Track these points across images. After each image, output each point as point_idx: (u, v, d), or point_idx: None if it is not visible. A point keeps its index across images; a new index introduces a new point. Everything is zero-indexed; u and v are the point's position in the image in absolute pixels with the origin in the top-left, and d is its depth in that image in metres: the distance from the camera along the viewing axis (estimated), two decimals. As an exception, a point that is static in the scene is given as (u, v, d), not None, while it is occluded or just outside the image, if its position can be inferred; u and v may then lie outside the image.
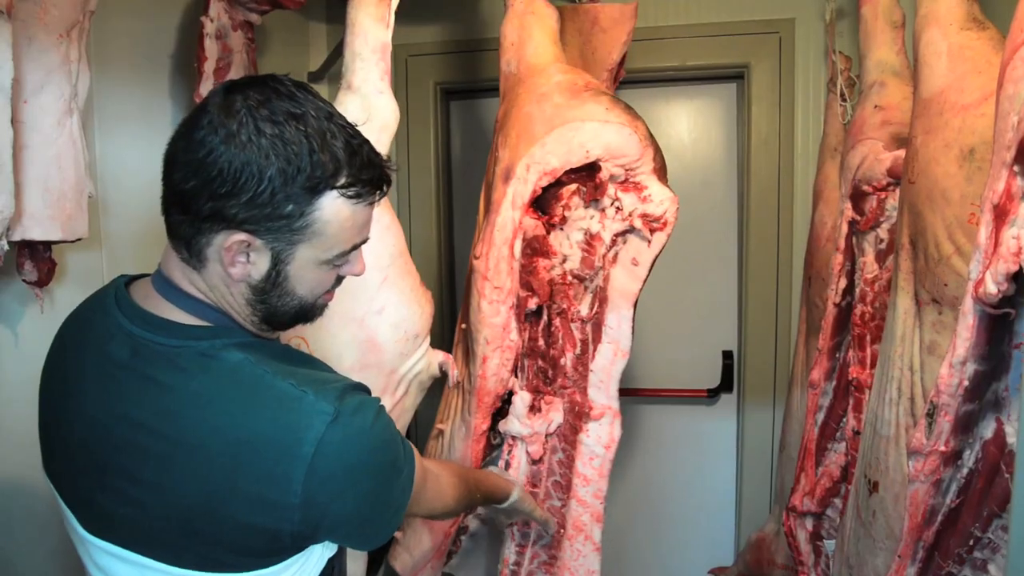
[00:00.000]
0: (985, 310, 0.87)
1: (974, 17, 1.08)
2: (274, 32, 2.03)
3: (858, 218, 1.49)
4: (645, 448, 2.42)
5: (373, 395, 0.89)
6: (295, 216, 0.80)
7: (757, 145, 2.18)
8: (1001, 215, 0.82)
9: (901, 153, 1.33)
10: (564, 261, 1.45)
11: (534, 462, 1.49)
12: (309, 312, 0.91)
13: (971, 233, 0.99)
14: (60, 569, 1.37)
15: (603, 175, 1.37)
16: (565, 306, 1.46)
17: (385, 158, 0.88)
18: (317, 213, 0.81)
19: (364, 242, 0.89)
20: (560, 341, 1.47)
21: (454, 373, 1.46)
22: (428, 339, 1.40)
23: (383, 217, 1.29)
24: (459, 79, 2.34)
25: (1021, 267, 0.80)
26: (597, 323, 1.45)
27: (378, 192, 0.86)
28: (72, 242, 1.22)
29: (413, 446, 0.97)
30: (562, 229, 1.44)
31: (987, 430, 0.96)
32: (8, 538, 1.28)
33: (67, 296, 1.36)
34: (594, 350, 1.45)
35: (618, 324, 1.44)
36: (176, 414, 0.80)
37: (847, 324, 1.56)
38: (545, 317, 1.48)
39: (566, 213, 1.42)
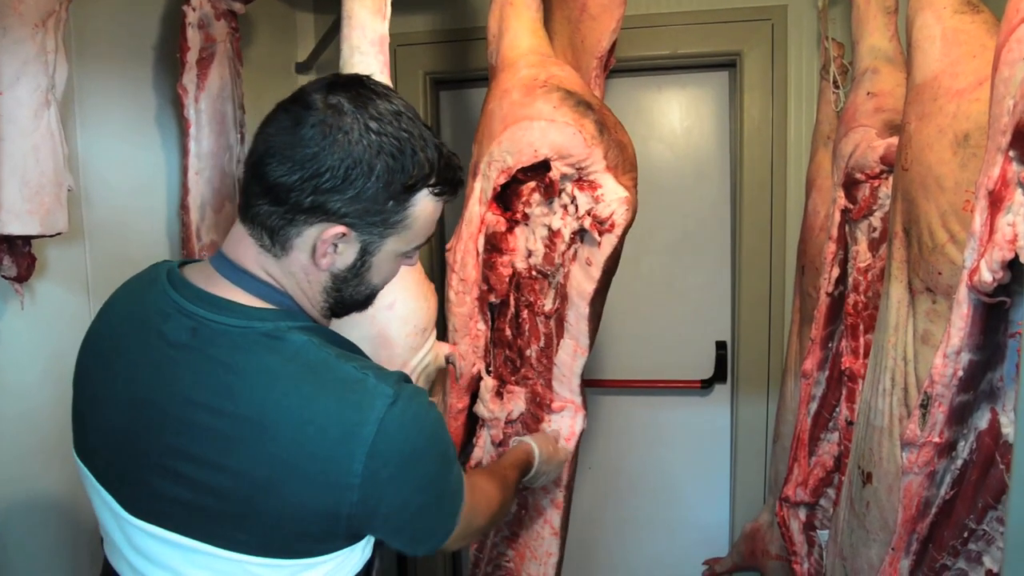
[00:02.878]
0: (980, 299, 0.85)
1: (968, 0, 1.06)
2: (259, 21, 2.00)
3: (851, 206, 1.48)
4: (639, 439, 2.42)
5: None
6: (393, 212, 0.86)
7: (750, 133, 2.16)
8: (996, 202, 0.81)
9: (894, 140, 1.32)
10: (530, 256, 1.45)
11: (497, 444, 1.53)
12: (371, 300, 0.96)
13: (965, 220, 0.97)
14: (60, 566, 1.36)
15: (553, 174, 1.36)
16: (532, 299, 1.48)
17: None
18: (411, 209, 0.87)
19: (430, 240, 0.96)
20: (527, 333, 1.49)
21: (460, 364, 1.49)
22: (435, 332, 1.41)
23: None
24: (449, 69, 2.32)
25: (1017, 255, 0.79)
26: (559, 319, 1.46)
27: (453, 195, 0.92)
28: (51, 236, 1.20)
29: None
30: (527, 225, 1.44)
31: (982, 420, 0.95)
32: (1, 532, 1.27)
33: (48, 292, 1.35)
34: (557, 344, 1.47)
35: (576, 322, 1.44)
36: (240, 392, 0.80)
37: (840, 314, 1.54)
38: (513, 309, 1.50)
39: (526, 210, 1.43)
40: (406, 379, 0.87)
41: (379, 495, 0.82)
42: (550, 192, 1.38)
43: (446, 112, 2.45)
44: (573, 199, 1.38)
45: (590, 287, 1.40)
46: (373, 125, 0.83)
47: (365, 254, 0.88)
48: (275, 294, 0.87)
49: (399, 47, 2.27)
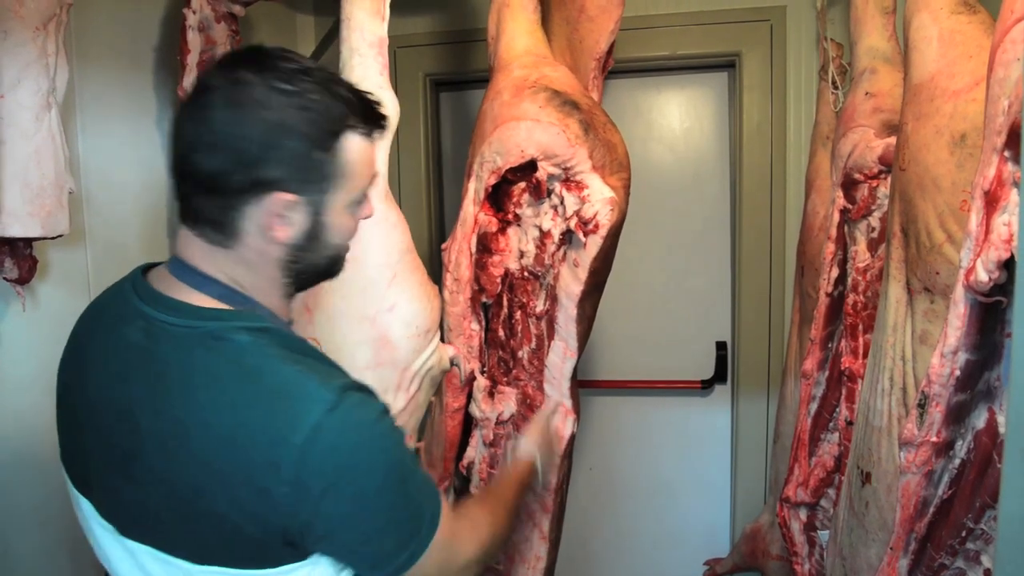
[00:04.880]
0: (977, 299, 0.86)
1: (965, 1, 1.06)
2: (260, 24, 2.00)
3: (850, 206, 1.48)
4: (639, 439, 2.42)
5: (384, 397, 0.87)
6: (326, 162, 0.83)
7: (749, 134, 2.16)
8: (992, 202, 0.81)
9: (892, 140, 1.32)
10: (522, 257, 1.45)
11: (488, 445, 1.53)
12: (337, 265, 0.93)
13: (963, 220, 0.97)
14: (60, 568, 1.36)
15: (540, 174, 1.36)
16: (525, 300, 1.47)
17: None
18: (343, 155, 0.84)
19: (373, 181, 0.92)
20: (519, 334, 1.49)
21: (465, 367, 1.47)
22: (438, 334, 1.38)
23: (390, 214, 1.28)
24: (449, 70, 2.32)
25: (1012, 254, 0.79)
26: (550, 320, 1.45)
27: (380, 129, 0.89)
28: (53, 239, 1.21)
29: (441, 493, 0.92)
30: (519, 225, 1.45)
31: (979, 420, 0.95)
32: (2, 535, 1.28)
33: (50, 294, 1.35)
34: (548, 346, 1.46)
35: (565, 323, 1.43)
36: (177, 393, 0.79)
37: (840, 314, 1.55)
38: (506, 309, 1.50)
39: (517, 211, 1.43)
40: (357, 387, 0.83)
41: (313, 509, 0.78)
42: (538, 193, 1.38)
43: (446, 113, 2.46)
44: (562, 200, 1.37)
45: (577, 288, 1.39)
46: (279, 85, 0.80)
47: (317, 215, 0.85)
48: (228, 292, 0.86)
49: (399, 49, 2.28)
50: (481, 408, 1.52)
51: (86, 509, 0.88)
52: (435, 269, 2.38)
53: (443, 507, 0.89)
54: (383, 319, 1.28)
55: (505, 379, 1.51)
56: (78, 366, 0.90)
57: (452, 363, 1.45)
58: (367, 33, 1.32)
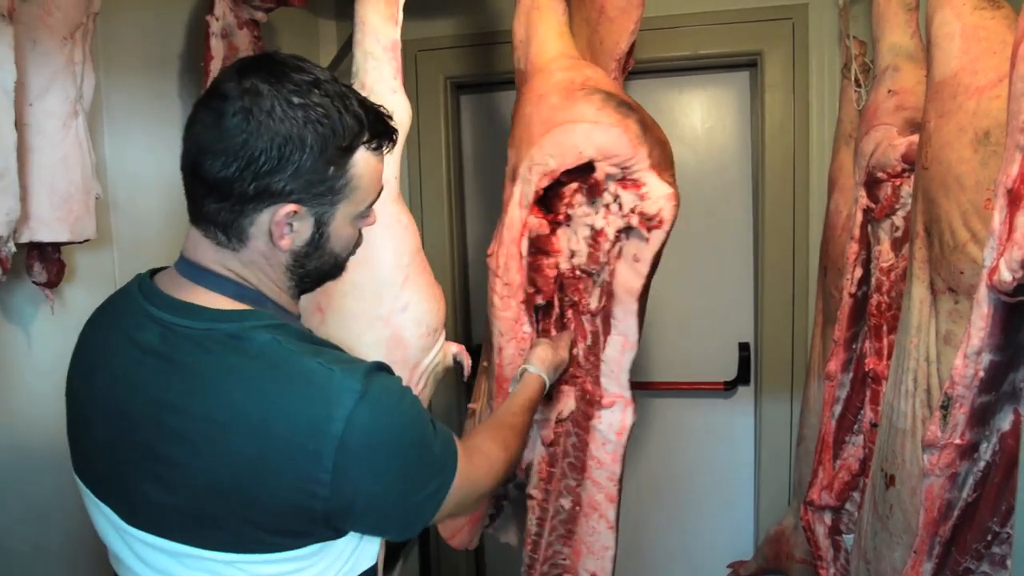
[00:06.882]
0: (1000, 298, 0.84)
1: (988, -3, 1.05)
2: (282, 30, 2.03)
3: (873, 206, 1.46)
4: (662, 441, 2.41)
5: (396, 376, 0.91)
6: (336, 178, 0.86)
7: (772, 133, 2.14)
8: (1016, 200, 0.79)
9: (915, 138, 1.30)
10: (572, 256, 1.47)
11: (548, 445, 1.54)
12: (339, 270, 0.96)
13: (987, 219, 0.96)
14: (86, 566, 1.38)
15: (598, 175, 1.38)
16: (576, 299, 1.49)
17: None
18: (354, 170, 0.87)
19: (379, 194, 0.94)
20: (573, 333, 1.50)
21: (468, 363, 1.50)
22: (444, 332, 1.43)
23: (402, 217, 1.31)
24: (469, 73, 2.33)
25: (1036, 253, 0.78)
26: (606, 316, 1.47)
27: (391, 143, 0.92)
28: (80, 243, 1.23)
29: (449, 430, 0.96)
30: (568, 226, 1.45)
31: (1004, 422, 0.93)
32: (34, 530, 1.30)
33: (78, 297, 1.38)
34: (604, 341, 1.48)
35: (624, 317, 1.46)
36: (204, 393, 0.81)
37: (863, 314, 1.53)
38: (557, 309, 1.51)
39: (569, 211, 1.44)
40: (377, 368, 0.87)
41: (353, 490, 0.82)
42: (594, 192, 1.40)
43: (467, 116, 2.47)
44: (616, 198, 1.40)
45: (638, 283, 1.42)
46: (294, 99, 0.82)
47: (320, 225, 0.88)
48: (240, 289, 0.88)
49: (420, 52, 2.29)
50: (540, 410, 1.52)
51: (110, 516, 0.89)
52: (460, 271, 2.40)
53: (458, 450, 0.94)
54: (397, 319, 1.33)
55: (561, 379, 1.53)
56: (88, 377, 0.92)
57: (455, 360, 1.47)
58: (381, 37, 1.34)
